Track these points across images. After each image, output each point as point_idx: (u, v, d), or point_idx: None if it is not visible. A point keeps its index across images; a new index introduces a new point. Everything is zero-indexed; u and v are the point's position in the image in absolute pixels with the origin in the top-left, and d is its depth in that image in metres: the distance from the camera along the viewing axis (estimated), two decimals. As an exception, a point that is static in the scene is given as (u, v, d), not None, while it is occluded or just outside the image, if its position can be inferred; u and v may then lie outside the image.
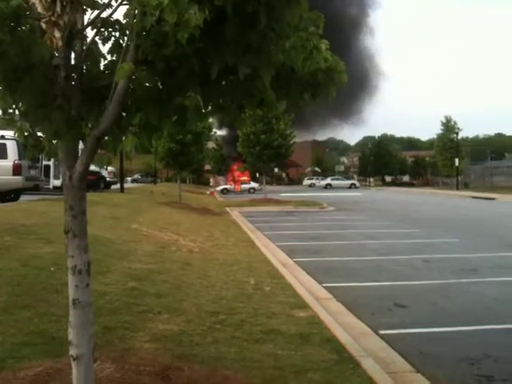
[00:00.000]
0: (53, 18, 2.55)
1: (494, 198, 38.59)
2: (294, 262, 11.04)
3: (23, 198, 18.51)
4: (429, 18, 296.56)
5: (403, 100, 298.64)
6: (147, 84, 2.91)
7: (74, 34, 2.93)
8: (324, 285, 8.71)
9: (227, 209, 27.60)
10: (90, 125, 2.99)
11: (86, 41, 3.17)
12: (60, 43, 2.65)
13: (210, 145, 57.83)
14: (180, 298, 6.98)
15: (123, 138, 3.00)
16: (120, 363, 3.98)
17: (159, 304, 6.47)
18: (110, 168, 32.02)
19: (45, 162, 24.00)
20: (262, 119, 32.23)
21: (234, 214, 24.78)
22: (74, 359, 3.06)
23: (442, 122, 63.02)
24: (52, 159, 22.72)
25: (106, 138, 3.04)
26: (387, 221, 20.88)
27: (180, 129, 3.18)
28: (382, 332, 6.19)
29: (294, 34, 2.70)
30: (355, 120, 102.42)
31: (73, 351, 3.08)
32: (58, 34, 2.59)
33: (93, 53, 3.23)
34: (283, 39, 2.62)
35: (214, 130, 28.80)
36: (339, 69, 3.26)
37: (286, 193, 46.50)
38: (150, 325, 5.61)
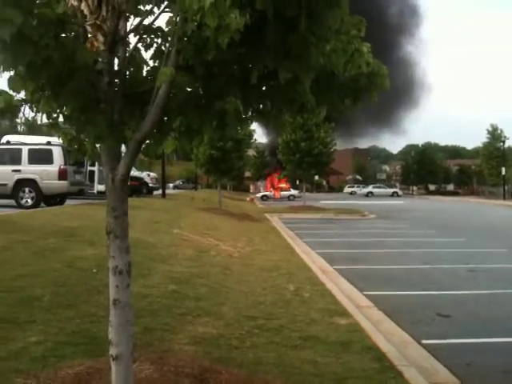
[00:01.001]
0: (98, 22, 2.62)
1: (542, 208, 37.25)
2: (334, 269, 10.92)
3: (68, 202, 19.03)
4: (475, 22, 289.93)
5: (447, 107, 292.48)
6: (188, 89, 2.95)
7: (116, 40, 3.00)
8: (365, 293, 8.59)
9: (267, 215, 27.61)
10: (131, 128, 3.04)
11: (128, 47, 3.25)
12: (102, 47, 2.71)
13: (251, 152, 58.07)
14: (219, 301, 7.02)
15: (164, 141, 3.04)
16: (159, 364, 4.02)
17: (198, 307, 6.52)
18: (152, 174, 32.56)
19: (89, 168, 24.59)
20: (302, 127, 32.12)
21: (274, 220, 24.76)
22: (113, 359, 3.11)
23: (487, 130, 61.50)
24: (96, 164, 23.36)
25: (148, 141, 3.09)
26: (431, 229, 20.43)
27: (220, 134, 3.18)
28: (424, 341, 6.04)
29: (335, 38, 2.68)
30: (396, 129, 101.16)
31: (112, 351, 3.13)
32: (101, 38, 2.65)
33: (135, 59, 3.30)
34: (324, 43, 2.60)
35: (254, 137, 28.90)
36: (381, 73, 3.22)
37: (326, 200, 46.16)
38: (189, 327, 5.66)
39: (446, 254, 13.60)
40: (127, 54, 3.24)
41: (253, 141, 29.40)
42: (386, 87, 3.33)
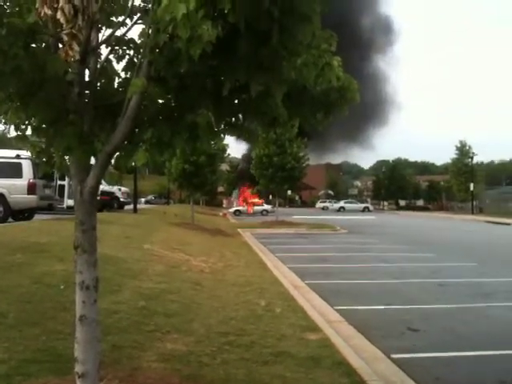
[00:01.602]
0: (74, 31, 2.58)
1: (509, 224, 38.11)
2: (306, 284, 10.92)
3: (37, 217, 18.64)
4: (444, 38, 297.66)
5: (417, 125, 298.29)
6: (159, 100, 2.93)
7: (88, 51, 2.97)
8: (336, 307, 8.60)
9: (239, 230, 27.52)
10: (101, 141, 3.00)
11: (100, 58, 3.21)
12: (77, 57, 2.67)
13: (224, 167, 58.02)
14: (189, 318, 6.93)
15: (134, 154, 3.00)
16: (127, 382, 3.93)
17: (168, 324, 6.43)
18: (123, 188, 32.19)
19: (59, 182, 24.17)
20: (275, 141, 32.25)
21: (246, 235, 24.70)
22: (79, 376, 3.03)
23: (456, 146, 62.84)
24: (66, 178, 22.98)
25: (118, 153, 3.05)
26: (401, 244, 20.67)
27: (192, 146, 3.16)
28: (394, 356, 6.06)
29: (306, 52, 2.69)
30: (366, 144, 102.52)
31: (78, 368, 3.05)
32: (76, 47, 2.62)
33: (107, 71, 3.27)
34: (295, 57, 2.62)
35: (228, 151, 28.85)
36: (352, 87, 3.26)
37: (298, 215, 46.33)
38: (159, 344, 5.56)
39: (416, 268, 13.74)
40: (98, 66, 3.21)
41: (226, 155, 29.32)
42: (356, 101, 3.37)
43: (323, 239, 23.55)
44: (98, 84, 3.24)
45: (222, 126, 3.17)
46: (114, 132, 2.85)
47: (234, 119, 3.17)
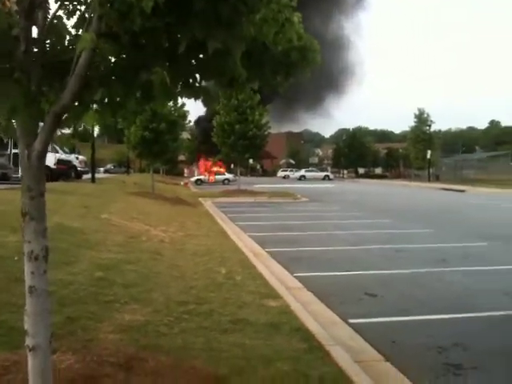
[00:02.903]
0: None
1: (463, 190, 39.27)
2: (266, 252, 10.97)
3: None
4: (407, 10, 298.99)
5: (378, 92, 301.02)
6: (111, 58, 2.76)
7: (34, 5, 2.76)
8: (295, 274, 8.68)
9: (200, 199, 27.42)
10: (49, 101, 2.82)
11: (48, 14, 3.01)
12: (15, 7, 2.47)
13: (185, 135, 57.29)
14: (148, 287, 6.84)
15: (84, 115, 2.84)
16: (81, 354, 3.84)
17: (126, 294, 6.33)
18: (80, 157, 31.43)
19: (14, 150, 23.38)
20: (237, 109, 32.00)
21: (207, 204, 24.62)
22: (30, 350, 2.91)
23: (415, 114, 63.54)
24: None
25: (67, 114, 2.89)
26: (359, 211, 21.01)
27: (145, 108, 3.01)
28: (351, 321, 6.17)
29: (266, 6, 2.57)
30: (325, 113, 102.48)
31: (29, 341, 2.93)
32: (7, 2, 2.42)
33: (57, 27, 3.06)
34: (255, 13, 2.50)
35: (188, 119, 28.36)
36: (313, 48, 3.17)
37: (260, 184, 46.47)
38: (116, 315, 5.47)
39: (374, 235, 14.01)
40: (47, 22, 3.00)
41: (187, 122, 28.84)
42: (318, 63, 3.29)
43: (284, 207, 23.71)
44: (48, 41, 3.03)
45: (179, 86, 3.03)
46: (63, 91, 2.69)
47: (191, 79, 3.03)
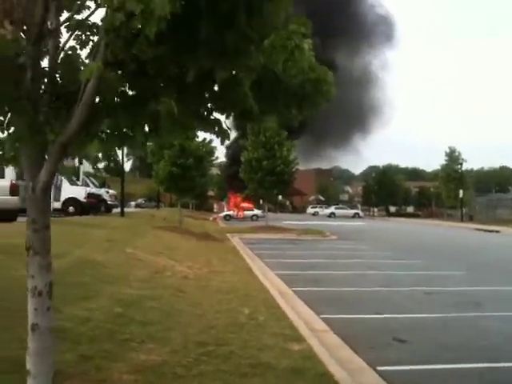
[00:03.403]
0: (4, 6, 2.31)
1: (498, 231, 38.14)
2: (293, 291, 10.66)
3: (20, 219, 18.22)
4: (433, 44, 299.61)
5: (408, 130, 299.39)
6: (118, 88, 2.66)
7: (44, 34, 2.70)
8: (322, 316, 8.34)
9: (228, 235, 27.22)
10: (55, 131, 2.72)
11: (59, 42, 2.95)
12: (9, 36, 2.40)
13: (214, 171, 57.72)
14: (168, 326, 6.62)
15: (88, 144, 2.73)
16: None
17: (144, 332, 6.12)
18: (111, 191, 31.81)
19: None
20: (265, 145, 32.06)
21: (235, 240, 24.42)
22: (31, 391, 2.75)
23: (445, 152, 62.70)
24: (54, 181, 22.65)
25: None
26: (390, 251, 20.48)
27: (155, 139, 2.89)
28: (379, 368, 5.81)
29: (274, 33, 2.44)
30: (353, 150, 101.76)
31: (30, 382, 2.77)
32: (8, 26, 2.34)
33: (71, 58, 3.00)
34: (263, 40, 2.36)
35: (216, 155, 28.49)
36: (328, 80, 3.02)
37: (289, 220, 46.11)
38: (132, 354, 5.25)
39: (403, 276, 13.53)
40: (58, 51, 2.94)
41: (214, 158, 28.99)
42: (332, 95, 3.14)
43: (312, 245, 23.32)
44: (59, 71, 2.96)
45: (191, 118, 2.90)
46: (70, 121, 2.58)
47: (203, 111, 2.89)
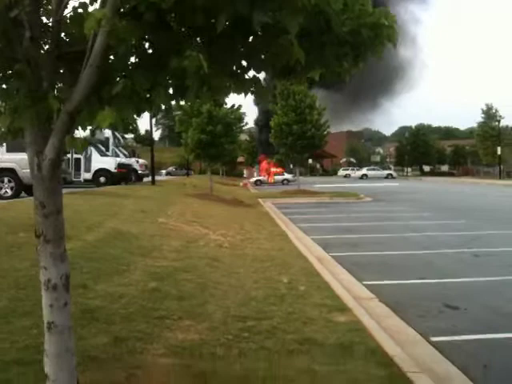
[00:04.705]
0: None
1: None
2: (331, 256, 10.24)
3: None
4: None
5: (440, 88, 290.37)
6: (133, 42, 2.18)
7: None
8: (365, 283, 7.92)
9: (260, 200, 26.88)
10: (59, 98, 2.27)
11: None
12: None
13: (243, 137, 57.13)
14: (205, 300, 6.30)
15: (98, 112, 2.27)
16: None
17: (180, 308, 5.81)
18: (141, 160, 31.78)
19: (75, 156, 24.08)
20: (295, 109, 31.31)
21: (267, 205, 24.05)
22: (50, 398, 2.39)
23: (482, 109, 60.77)
24: (84, 152, 22.71)
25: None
26: (429, 212, 19.78)
27: (179, 102, 2.40)
28: (433, 339, 5.37)
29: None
30: (383, 111, 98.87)
31: (49, 387, 2.41)
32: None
33: (80, 15, 2.52)
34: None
35: (245, 121, 27.94)
36: (390, 21, 2.47)
37: (320, 184, 45.48)
38: (168, 334, 4.94)
39: (447, 237, 12.94)
40: (65, 6, 2.47)
41: (244, 124, 28.41)
42: (394, 41, 2.59)
43: (347, 208, 22.76)
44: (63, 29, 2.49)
45: (221, 76, 2.40)
46: (76, 85, 2.13)
47: (235, 68, 2.39)
